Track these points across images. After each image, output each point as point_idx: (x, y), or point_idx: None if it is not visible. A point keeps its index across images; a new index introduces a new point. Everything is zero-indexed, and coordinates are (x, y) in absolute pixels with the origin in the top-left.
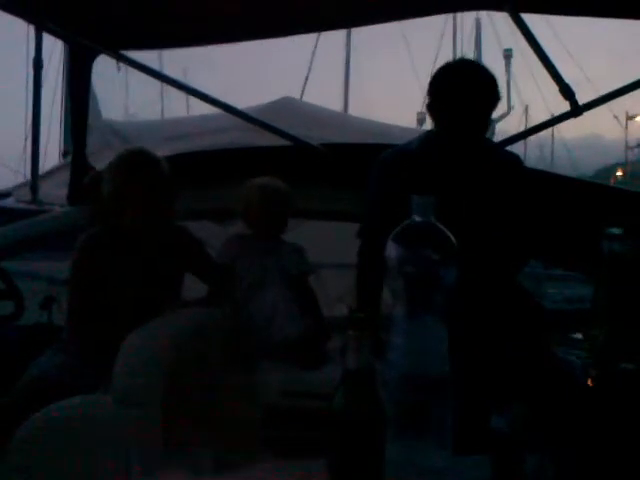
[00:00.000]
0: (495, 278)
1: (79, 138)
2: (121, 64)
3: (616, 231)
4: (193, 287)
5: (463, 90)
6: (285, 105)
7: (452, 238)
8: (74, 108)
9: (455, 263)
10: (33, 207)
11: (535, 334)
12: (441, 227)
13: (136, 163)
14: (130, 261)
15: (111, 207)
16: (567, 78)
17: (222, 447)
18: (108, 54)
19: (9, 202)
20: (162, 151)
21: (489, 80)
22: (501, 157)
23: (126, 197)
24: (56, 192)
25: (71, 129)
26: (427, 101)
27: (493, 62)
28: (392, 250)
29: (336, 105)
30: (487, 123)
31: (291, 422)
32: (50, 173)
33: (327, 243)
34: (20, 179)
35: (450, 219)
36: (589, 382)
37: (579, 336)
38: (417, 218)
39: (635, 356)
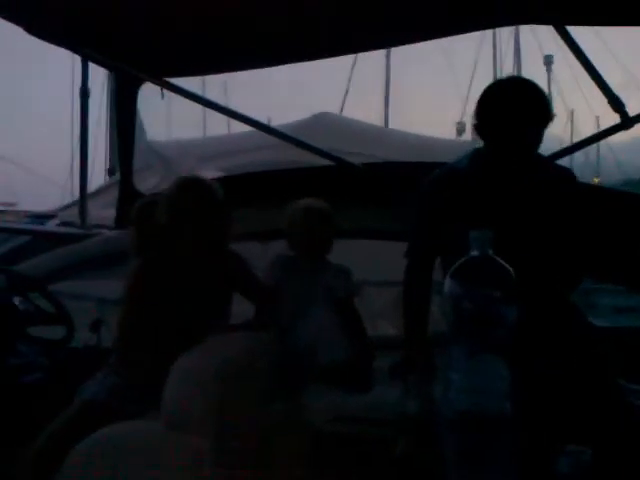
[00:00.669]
0: (552, 302)
1: (126, 163)
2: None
3: None
4: (240, 309)
5: (516, 108)
6: (322, 120)
7: (512, 273)
8: (120, 134)
9: (516, 299)
10: (79, 231)
11: (597, 366)
12: (500, 261)
13: (193, 190)
14: (183, 287)
15: (167, 233)
16: (615, 84)
17: (271, 474)
18: (153, 82)
19: (54, 226)
20: (202, 169)
21: (542, 98)
22: (554, 173)
23: (183, 224)
24: (101, 213)
25: (118, 155)
26: (475, 120)
27: (533, 69)
28: (450, 287)
29: (376, 118)
30: (539, 142)
31: (341, 448)
32: (96, 193)
33: (368, 260)
34: (67, 197)
35: (504, 241)
36: None
37: None
38: (475, 252)
39: None
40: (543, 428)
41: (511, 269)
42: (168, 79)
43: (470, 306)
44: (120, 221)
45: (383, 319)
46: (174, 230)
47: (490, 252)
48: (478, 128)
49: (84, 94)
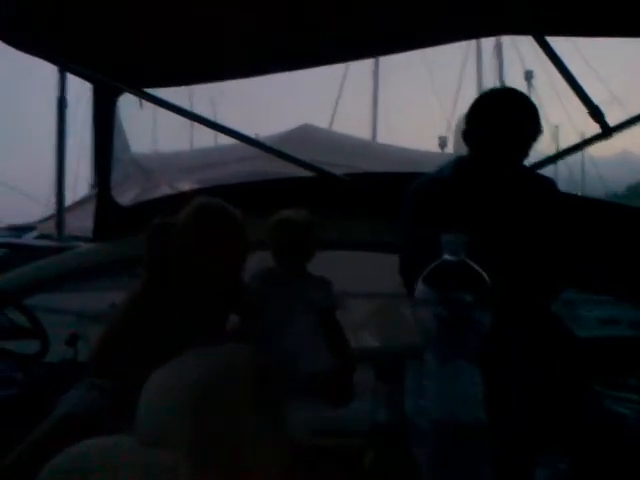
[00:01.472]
0: (532, 311)
1: (104, 175)
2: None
3: None
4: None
5: (509, 118)
6: (304, 133)
7: (486, 278)
8: (98, 145)
9: (489, 304)
10: (56, 244)
11: (579, 377)
12: (474, 266)
13: (220, 218)
14: (184, 309)
15: (186, 258)
16: (595, 97)
17: None
18: (131, 92)
19: (31, 239)
20: (184, 181)
21: (533, 109)
22: (536, 182)
23: (200, 251)
24: (80, 224)
25: (95, 166)
26: (464, 127)
27: (515, 84)
28: (422, 292)
29: (363, 131)
30: (526, 154)
31: (322, 461)
32: (75, 206)
33: (350, 272)
34: (49, 212)
35: (486, 251)
36: None
37: (632, 381)
38: (448, 257)
39: None
40: (519, 437)
41: (484, 274)
42: (150, 90)
43: (443, 311)
44: (98, 233)
45: (365, 331)
46: (188, 256)
47: (463, 256)
48: (466, 134)
49: (61, 104)
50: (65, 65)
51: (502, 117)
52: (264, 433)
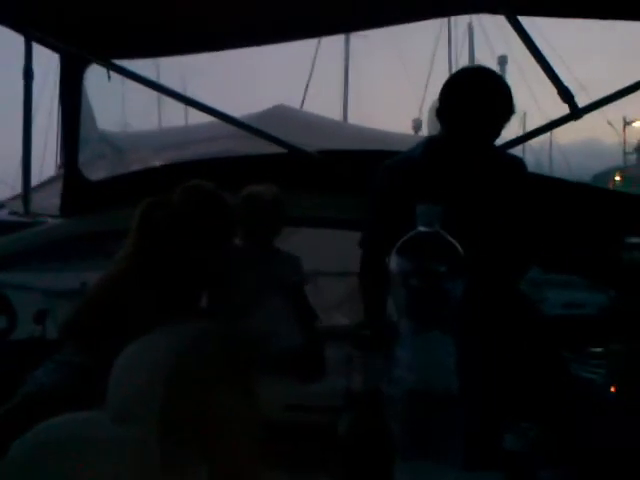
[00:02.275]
0: (500, 286)
1: (71, 149)
2: (113, 73)
3: (637, 240)
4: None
5: (480, 96)
6: (279, 113)
7: (459, 249)
8: (65, 119)
9: (463, 275)
10: (24, 219)
11: (547, 346)
12: (448, 237)
13: (217, 203)
14: (162, 286)
15: (170, 236)
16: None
17: (221, 463)
18: (99, 63)
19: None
20: (157, 161)
21: (506, 89)
22: (505, 161)
23: (186, 230)
24: (49, 202)
25: (62, 140)
26: (437, 105)
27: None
28: (396, 262)
29: (335, 113)
30: (498, 133)
31: (294, 436)
32: (44, 184)
33: (325, 251)
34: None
35: (456, 226)
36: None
37: (597, 349)
38: (422, 228)
39: None
40: (491, 406)
41: (458, 244)
42: (118, 62)
43: (416, 282)
44: (65, 209)
45: (338, 309)
46: (177, 233)
47: (438, 228)
48: (439, 113)
49: (27, 75)
50: (30, 34)
51: (474, 95)
52: (235, 408)
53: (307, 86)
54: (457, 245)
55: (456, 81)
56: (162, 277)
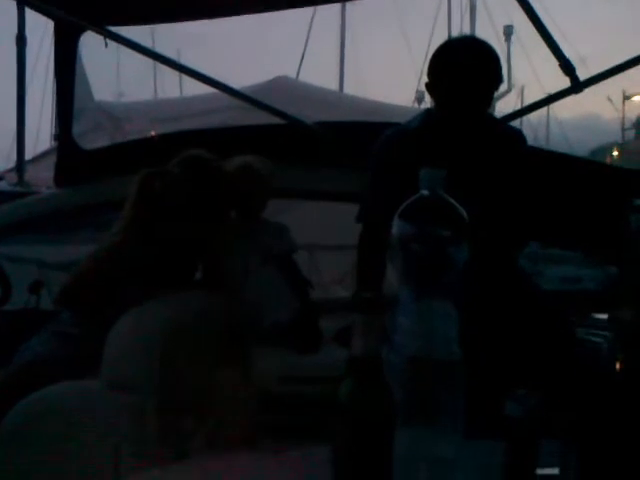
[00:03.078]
0: (500, 258)
1: (65, 118)
2: (110, 41)
3: None
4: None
5: (465, 67)
6: (280, 84)
7: (464, 213)
8: (60, 87)
9: (466, 240)
10: (20, 189)
11: (549, 314)
12: (452, 201)
13: (214, 173)
14: (159, 257)
15: (170, 207)
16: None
17: (218, 433)
18: (94, 30)
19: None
20: (154, 132)
21: (492, 57)
22: (504, 132)
23: (185, 199)
24: (45, 175)
25: (57, 109)
26: (427, 79)
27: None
28: (398, 227)
29: (331, 84)
30: (489, 102)
31: (291, 408)
32: (40, 156)
33: (324, 224)
34: (12, 165)
35: (454, 198)
36: (617, 365)
37: (602, 316)
38: (425, 192)
39: None
40: (492, 373)
41: (462, 210)
42: (113, 29)
43: (418, 247)
44: (60, 178)
45: (340, 283)
46: (177, 204)
47: (442, 192)
48: (429, 87)
49: (20, 42)
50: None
51: (459, 67)
52: (231, 378)
53: (302, 57)
54: (461, 209)
55: (441, 53)
56: (160, 249)
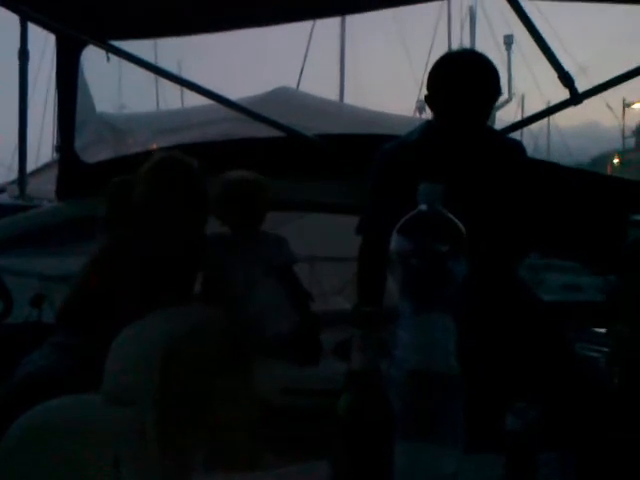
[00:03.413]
0: (499, 270)
1: (67, 131)
2: (112, 55)
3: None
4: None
5: (464, 80)
6: (281, 95)
7: (462, 228)
8: (61, 101)
9: (465, 254)
10: (22, 202)
11: (548, 327)
12: (450, 216)
13: (172, 168)
14: (149, 269)
15: (143, 211)
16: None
17: (219, 447)
18: (96, 44)
19: (1, 198)
20: (156, 144)
21: (491, 70)
22: (503, 144)
23: (161, 202)
24: (46, 187)
25: (58, 122)
26: (426, 92)
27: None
28: (397, 243)
29: (332, 94)
30: (488, 114)
31: (291, 420)
32: (41, 169)
33: (324, 236)
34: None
35: (454, 210)
36: (614, 380)
37: (601, 330)
38: (424, 207)
39: None
40: (491, 386)
41: (461, 224)
42: (115, 43)
43: (417, 262)
44: (61, 192)
45: (337, 294)
46: (151, 208)
47: (440, 207)
48: (428, 99)
49: (22, 55)
50: (26, 14)
51: (458, 80)
52: (232, 391)
53: (302, 68)
54: (459, 224)
55: (440, 66)
56: (138, 259)
